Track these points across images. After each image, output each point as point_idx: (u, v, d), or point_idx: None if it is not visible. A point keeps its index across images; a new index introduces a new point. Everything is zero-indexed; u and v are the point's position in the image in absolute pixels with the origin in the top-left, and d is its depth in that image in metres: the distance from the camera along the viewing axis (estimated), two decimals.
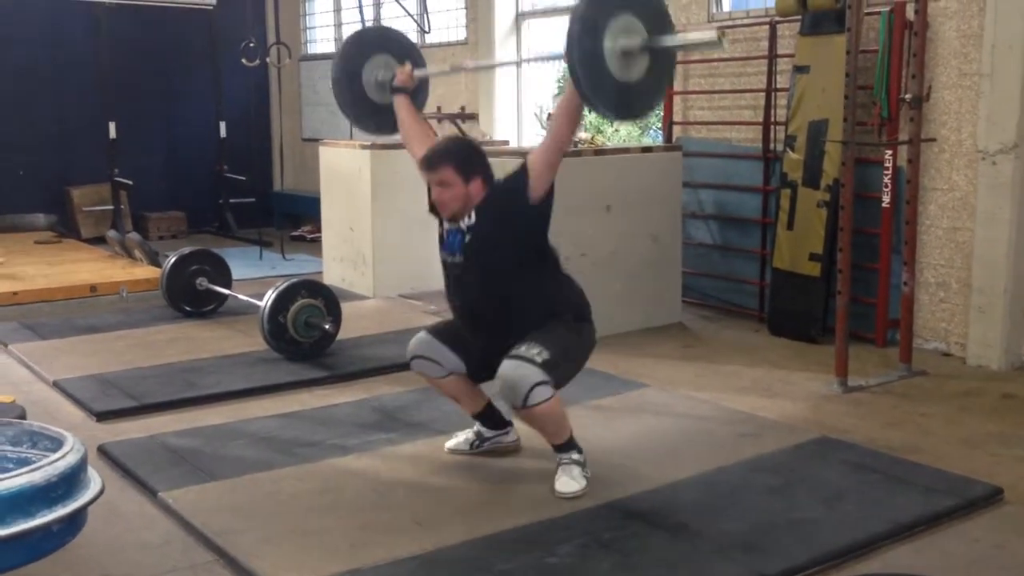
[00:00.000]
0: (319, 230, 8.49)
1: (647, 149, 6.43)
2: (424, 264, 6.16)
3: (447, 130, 8.69)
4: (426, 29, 8.89)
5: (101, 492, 2.67)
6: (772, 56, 6.24)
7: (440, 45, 9.13)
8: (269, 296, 5.33)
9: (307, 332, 5.37)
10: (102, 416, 4.55)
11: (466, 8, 8.95)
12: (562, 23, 7.96)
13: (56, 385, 5.02)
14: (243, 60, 9.67)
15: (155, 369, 5.25)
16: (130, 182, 9.81)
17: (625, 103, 3.34)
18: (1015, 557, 3.11)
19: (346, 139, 8.28)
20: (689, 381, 5.08)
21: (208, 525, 3.30)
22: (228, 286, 6.65)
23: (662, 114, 6.90)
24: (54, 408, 4.72)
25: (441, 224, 3.71)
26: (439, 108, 8.63)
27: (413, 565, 3.02)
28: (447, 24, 9.19)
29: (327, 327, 5.38)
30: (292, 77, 11.09)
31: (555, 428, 3.58)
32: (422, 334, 3.85)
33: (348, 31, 10.75)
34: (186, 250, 6.66)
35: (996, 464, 3.87)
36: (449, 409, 4.17)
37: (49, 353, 5.61)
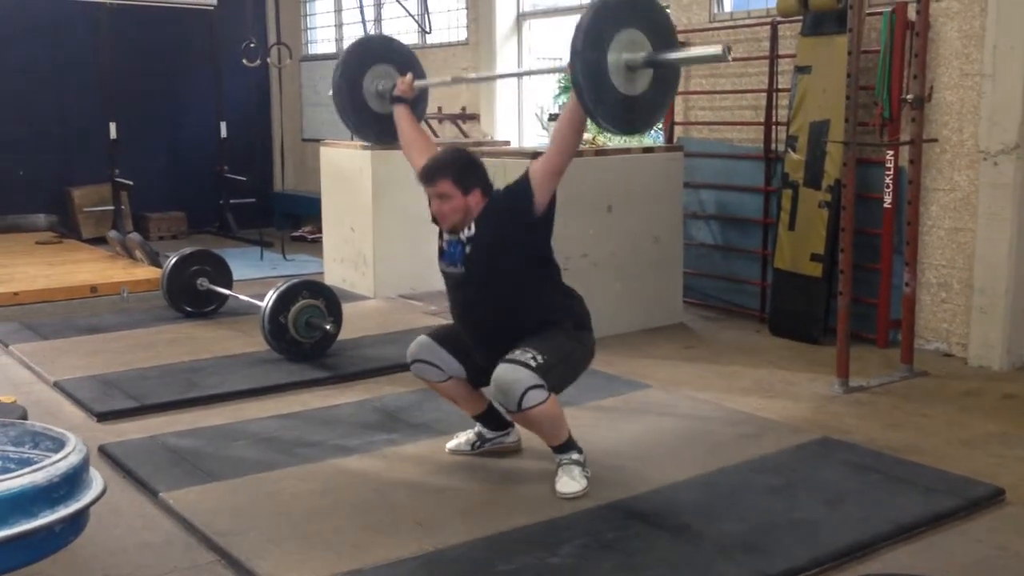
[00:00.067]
0: (320, 230, 8.49)
1: (648, 149, 6.42)
2: (425, 264, 6.15)
3: (448, 131, 8.70)
4: (427, 29, 8.88)
5: (103, 492, 2.67)
6: (773, 56, 6.24)
7: (441, 45, 9.12)
8: (270, 297, 5.33)
9: (308, 332, 5.37)
10: (103, 417, 4.55)
11: (467, 8, 8.94)
12: (563, 23, 8.00)
13: (57, 386, 5.02)
14: (244, 60, 9.66)
15: (156, 369, 5.25)
16: (131, 182, 9.81)
17: (628, 117, 3.35)
18: (1017, 558, 3.11)
19: (347, 140, 8.26)
20: (690, 382, 5.08)
21: (209, 525, 3.30)
22: (229, 287, 6.65)
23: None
24: (55, 409, 4.72)
25: (441, 236, 3.71)
26: (440, 109, 8.63)
27: (414, 565, 3.02)
28: (448, 24, 9.19)
29: (328, 327, 5.38)
30: (293, 78, 11.09)
31: (552, 430, 3.57)
32: (422, 338, 3.85)
33: (349, 32, 10.75)
34: (187, 250, 6.66)
35: (998, 465, 3.87)
36: (450, 410, 4.16)
37: (50, 354, 5.61)
